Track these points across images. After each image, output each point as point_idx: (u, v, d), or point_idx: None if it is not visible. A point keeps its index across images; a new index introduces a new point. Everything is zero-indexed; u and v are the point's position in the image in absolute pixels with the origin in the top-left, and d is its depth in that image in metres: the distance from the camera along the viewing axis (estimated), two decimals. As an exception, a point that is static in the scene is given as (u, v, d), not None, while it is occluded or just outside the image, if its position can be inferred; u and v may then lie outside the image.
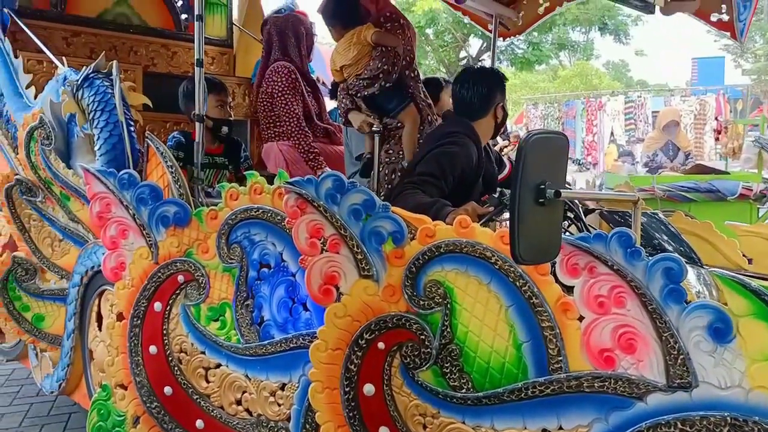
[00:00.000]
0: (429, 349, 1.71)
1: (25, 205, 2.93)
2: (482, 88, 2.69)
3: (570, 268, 1.55)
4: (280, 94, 3.84)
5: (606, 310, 1.52)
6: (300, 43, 4.20)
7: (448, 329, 1.70)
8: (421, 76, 3.53)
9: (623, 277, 1.49)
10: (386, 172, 3.16)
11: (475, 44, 19.39)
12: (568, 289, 1.59)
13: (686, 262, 1.55)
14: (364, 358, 1.81)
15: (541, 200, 1.28)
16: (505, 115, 2.82)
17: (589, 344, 1.54)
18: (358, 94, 3.20)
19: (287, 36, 4.10)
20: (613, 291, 1.51)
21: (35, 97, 3.10)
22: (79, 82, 2.65)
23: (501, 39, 4.08)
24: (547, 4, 3.68)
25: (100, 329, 2.65)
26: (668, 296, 1.46)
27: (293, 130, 3.87)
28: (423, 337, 1.72)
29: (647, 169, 7.02)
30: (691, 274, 2.03)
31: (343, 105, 3.32)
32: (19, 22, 3.47)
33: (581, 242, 1.52)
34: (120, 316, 2.41)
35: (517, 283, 1.60)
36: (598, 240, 1.51)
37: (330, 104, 4.69)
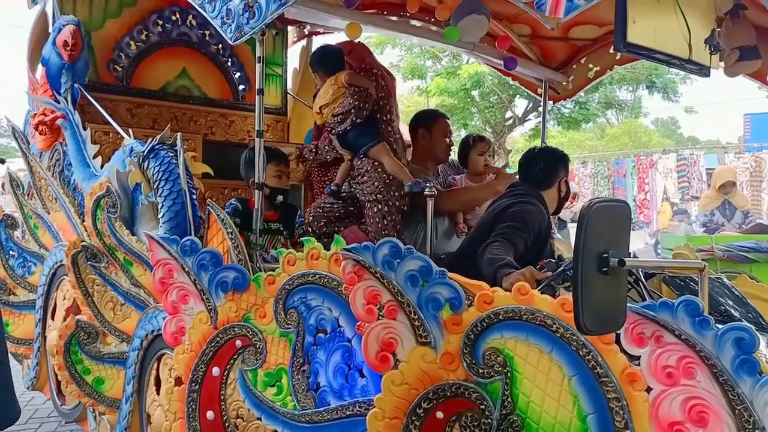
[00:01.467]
0: (489, 420, 1.68)
1: (89, 270, 3.03)
2: (548, 163, 2.83)
3: (635, 338, 1.51)
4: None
5: (675, 381, 1.47)
6: (351, 110, 4.31)
7: (509, 399, 1.66)
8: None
9: (692, 347, 1.45)
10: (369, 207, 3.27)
11: (521, 104, 19.50)
12: (634, 359, 1.55)
13: (755, 329, 1.50)
14: (423, 428, 1.78)
15: (604, 269, 1.26)
16: (568, 190, 2.90)
17: (657, 417, 1.49)
18: (333, 131, 3.36)
19: (339, 105, 4.22)
20: (682, 361, 1.46)
21: (101, 167, 3.25)
22: (145, 153, 2.78)
23: (550, 102, 4.11)
24: (597, 68, 3.71)
25: (158, 393, 2.68)
26: (740, 367, 1.41)
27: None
28: (483, 406, 1.69)
29: (704, 229, 6.83)
30: (762, 341, 1.95)
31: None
32: (88, 96, 3.68)
33: (647, 311, 1.49)
34: (178, 381, 2.44)
35: (581, 352, 1.56)
36: (664, 308, 1.48)
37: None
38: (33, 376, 3.82)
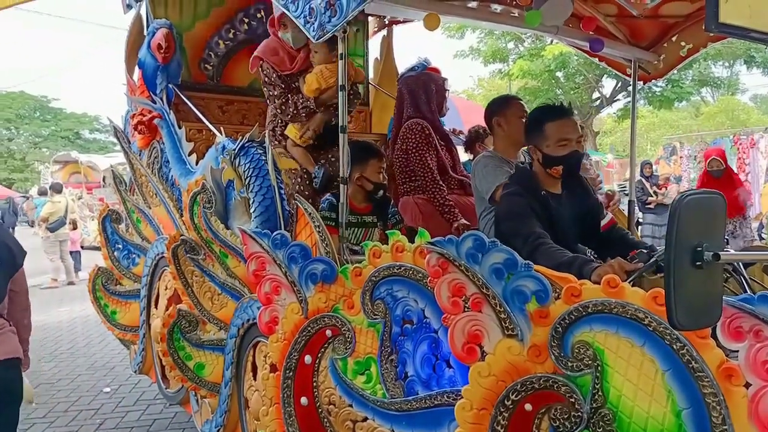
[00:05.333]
0: (580, 413, 1.66)
1: (188, 262, 3.20)
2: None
3: (733, 332, 1.46)
4: (414, 150, 3.95)
5: (776, 377, 1.41)
6: (431, 99, 4.30)
7: (600, 392, 1.64)
8: None
9: (795, 342, 1.39)
10: None
11: (608, 84, 18.82)
12: (731, 353, 1.50)
13: None
14: (511, 419, 1.78)
15: (698, 263, 1.22)
16: (550, 154, 2.62)
17: (758, 413, 1.44)
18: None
19: (418, 94, 4.21)
20: (784, 357, 1.40)
21: (196, 163, 3.42)
22: (236, 151, 2.90)
23: (640, 82, 3.96)
24: (690, 46, 3.53)
25: (255, 379, 2.81)
26: None
27: (428, 184, 3.96)
28: (573, 399, 1.68)
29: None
30: None
31: None
32: (182, 96, 3.86)
33: (745, 304, 1.44)
34: (273, 368, 2.55)
35: (674, 347, 1.52)
36: (763, 302, 1.42)
37: (463, 156, 4.75)
38: (139, 361, 4.07)
